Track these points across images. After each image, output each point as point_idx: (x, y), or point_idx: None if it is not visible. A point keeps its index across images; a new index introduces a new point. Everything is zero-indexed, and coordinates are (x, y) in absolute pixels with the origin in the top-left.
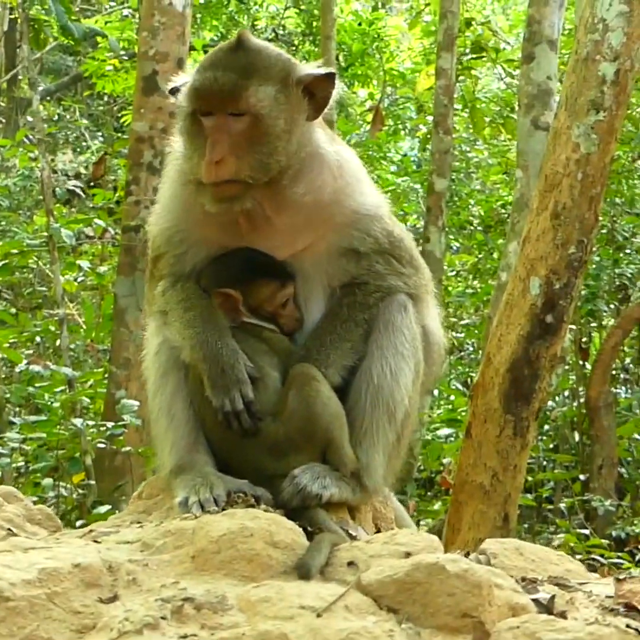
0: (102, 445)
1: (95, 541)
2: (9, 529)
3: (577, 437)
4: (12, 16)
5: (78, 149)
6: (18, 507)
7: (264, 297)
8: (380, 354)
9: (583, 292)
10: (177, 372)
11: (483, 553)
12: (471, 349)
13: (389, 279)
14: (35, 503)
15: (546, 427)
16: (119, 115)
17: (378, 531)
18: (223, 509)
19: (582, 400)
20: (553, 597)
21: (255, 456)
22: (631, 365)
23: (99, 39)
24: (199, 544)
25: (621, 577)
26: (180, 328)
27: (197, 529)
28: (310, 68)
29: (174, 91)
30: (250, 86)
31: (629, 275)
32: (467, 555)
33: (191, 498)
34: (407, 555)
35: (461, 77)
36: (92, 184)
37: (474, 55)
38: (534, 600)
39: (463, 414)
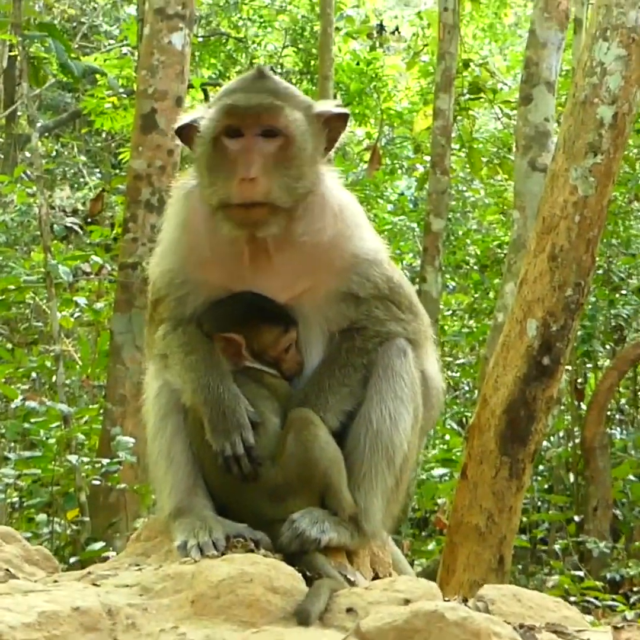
0: (97, 482)
1: (94, 584)
2: (7, 570)
3: (572, 478)
4: (12, 53)
5: (76, 185)
6: (16, 547)
7: (268, 342)
8: (379, 398)
9: (579, 333)
10: (176, 415)
11: (481, 599)
12: (467, 388)
13: (388, 325)
14: (29, 539)
15: (541, 467)
16: (117, 152)
17: (376, 575)
18: (222, 554)
19: (577, 441)
20: None
21: (254, 500)
22: (626, 406)
23: (98, 76)
24: (198, 588)
25: (619, 625)
26: (182, 371)
27: (197, 574)
28: (328, 105)
29: (182, 130)
30: (285, 107)
31: (625, 316)
32: (465, 601)
33: (190, 542)
34: (406, 602)
35: (459, 118)
36: (89, 220)
37: (472, 96)
38: None
39: (458, 453)
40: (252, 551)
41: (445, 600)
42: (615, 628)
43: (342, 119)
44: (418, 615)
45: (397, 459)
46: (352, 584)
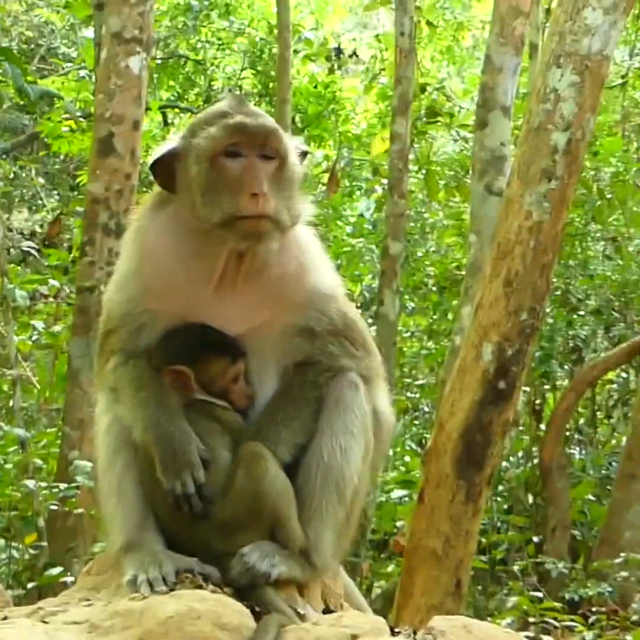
0: (55, 507)
1: (43, 621)
2: None
3: (531, 498)
4: None
5: (33, 208)
6: None
7: (215, 373)
8: (330, 432)
9: (537, 354)
10: (127, 450)
11: (430, 632)
12: (426, 409)
13: (342, 360)
14: None
15: (500, 488)
16: (75, 174)
17: (327, 607)
18: (172, 589)
19: (535, 461)
20: None
21: (204, 534)
22: (585, 427)
23: (55, 99)
24: (146, 625)
25: None
26: (132, 408)
27: (145, 610)
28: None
29: (162, 159)
30: (279, 130)
31: (583, 337)
32: (414, 633)
33: (140, 576)
34: (354, 637)
35: (416, 141)
36: (46, 242)
37: (429, 120)
38: None
39: (417, 475)
40: (201, 586)
41: (394, 633)
42: None
43: (305, 156)
44: None
45: (347, 493)
46: (302, 617)
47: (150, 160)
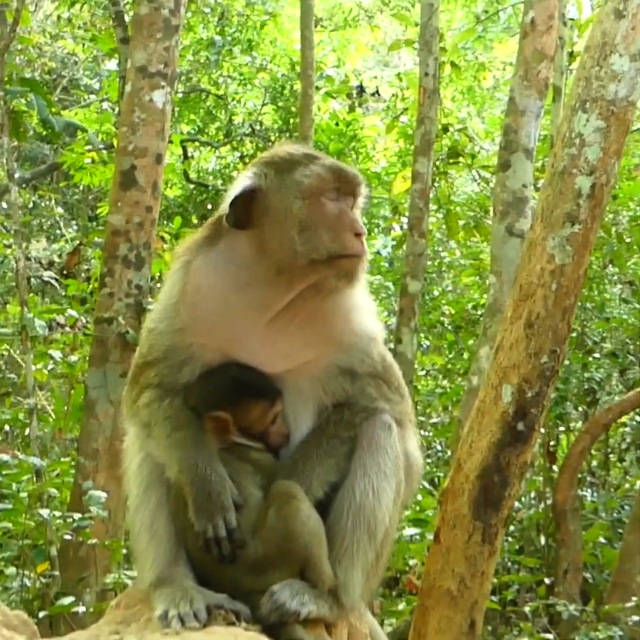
0: (68, 537)
1: None
2: None
3: (543, 540)
4: None
5: (52, 237)
6: None
7: (255, 416)
8: (363, 472)
9: (552, 396)
10: (159, 487)
11: None
12: (439, 448)
13: (377, 402)
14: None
15: (512, 528)
16: (94, 205)
17: None
18: (204, 625)
19: (548, 502)
20: None
21: (234, 572)
22: (597, 469)
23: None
24: None
25: None
26: (168, 447)
27: None
28: None
29: (239, 197)
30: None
31: (598, 380)
32: None
33: (171, 611)
34: None
35: (436, 180)
36: (65, 272)
37: (450, 160)
38: None
39: (430, 514)
40: (233, 623)
41: None
42: None
43: None
44: None
45: (378, 534)
46: None
47: (230, 195)
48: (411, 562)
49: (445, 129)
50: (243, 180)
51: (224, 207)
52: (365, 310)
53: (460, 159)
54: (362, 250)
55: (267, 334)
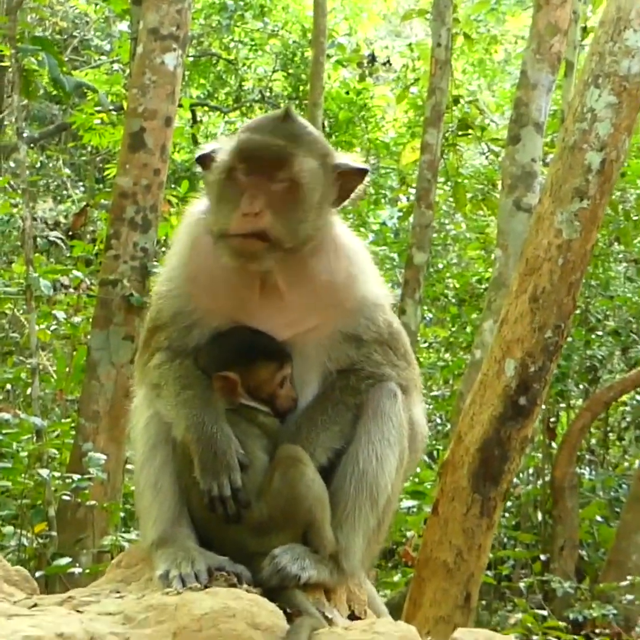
0: (67, 498)
1: (77, 610)
2: None
3: (540, 516)
4: (2, 63)
5: (59, 198)
6: None
7: (263, 378)
8: (367, 439)
9: (553, 372)
10: (165, 446)
11: None
12: (439, 421)
13: (384, 368)
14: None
15: (509, 504)
16: (102, 166)
17: (352, 613)
18: (206, 586)
19: (546, 479)
20: None
21: (237, 533)
22: (596, 447)
23: (87, 90)
24: (181, 621)
25: None
26: (176, 405)
27: (180, 606)
28: (348, 158)
29: (202, 159)
30: (297, 154)
31: (600, 357)
32: None
33: (172, 572)
34: None
35: (445, 152)
36: (71, 234)
37: (460, 132)
38: None
39: (428, 486)
40: (234, 585)
41: None
42: None
43: (361, 173)
44: None
45: (380, 500)
46: (329, 621)
47: (197, 153)
48: (408, 533)
49: (456, 100)
50: (211, 144)
51: None
52: (366, 276)
53: (470, 131)
54: (240, 229)
55: (264, 304)
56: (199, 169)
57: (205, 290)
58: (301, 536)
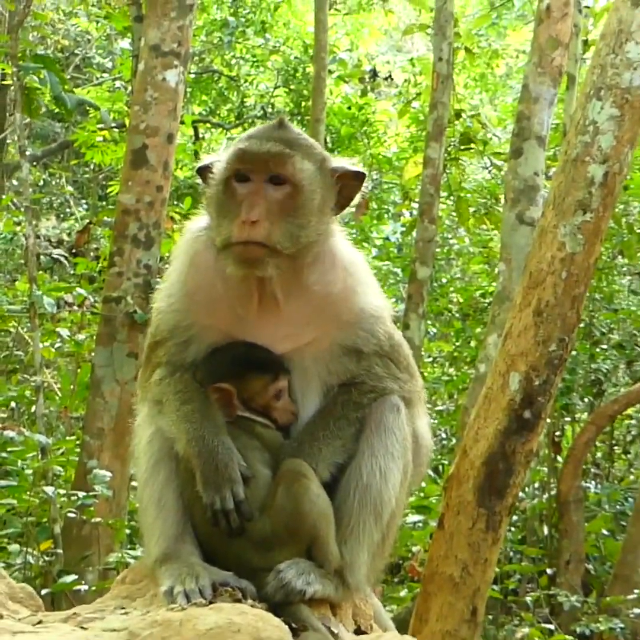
0: (72, 515)
1: (82, 627)
2: None
3: (546, 530)
4: (3, 82)
5: (62, 215)
6: (1, 584)
7: (256, 390)
8: (370, 453)
9: (558, 386)
10: (169, 462)
11: None
12: (444, 435)
13: (386, 382)
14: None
15: (515, 518)
16: (105, 184)
17: (358, 628)
18: (211, 602)
19: (552, 493)
20: None
21: (241, 549)
22: (602, 460)
23: (89, 108)
24: (185, 636)
25: None
26: (177, 420)
27: (184, 622)
28: (345, 161)
29: (202, 170)
30: (295, 155)
31: (605, 371)
32: None
33: (176, 588)
34: None
35: (448, 167)
36: (74, 251)
37: (462, 147)
38: None
39: (433, 501)
40: (239, 600)
41: None
42: None
43: (359, 177)
44: None
45: (385, 515)
46: (335, 636)
47: (197, 165)
48: (414, 548)
49: (457, 114)
50: (210, 157)
51: None
52: (365, 288)
53: (472, 145)
54: (242, 237)
55: (260, 317)
56: (200, 182)
57: (203, 306)
58: (306, 551)
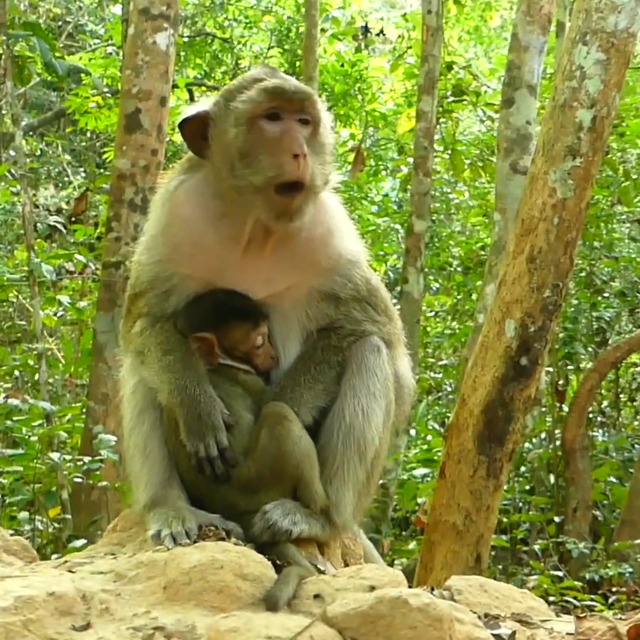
0: (79, 480)
1: (70, 571)
2: None
3: (552, 479)
4: None
5: (60, 184)
6: None
7: (238, 338)
8: (352, 394)
9: (561, 335)
10: (153, 411)
11: (447, 589)
12: (449, 389)
13: (364, 325)
14: (11, 537)
15: (522, 468)
16: (101, 151)
17: (346, 566)
18: (195, 542)
19: (558, 442)
20: (514, 633)
21: (227, 493)
22: (608, 409)
23: (82, 75)
24: (170, 575)
25: (581, 614)
26: (159, 371)
27: (169, 561)
28: None
29: (186, 122)
30: (316, 96)
31: (607, 319)
32: (431, 591)
33: (164, 531)
34: (372, 589)
35: (442, 120)
36: (73, 219)
37: (455, 99)
38: (495, 635)
39: (439, 454)
40: (223, 540)
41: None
42: (578, 617)
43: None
44: (382, 601)
45: (368, 454)
46: (322, 573)
47: (178, 120)
48: (420, 501)
49: (449, 67)
50: (197, 105)
51: None
52: (343, 232)
53: (465, 97)
54: (297, 173)
55: (244, 263)
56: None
57: (184, 256)
58: (291, 493)
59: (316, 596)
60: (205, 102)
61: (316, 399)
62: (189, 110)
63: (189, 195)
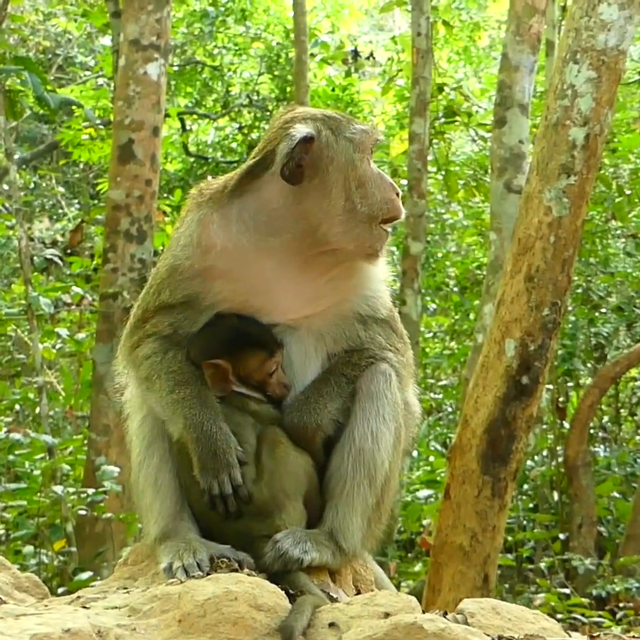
0: (83, 512)
1: (84, 607)
2: None
3: (556, 496)
4: None
5: (54, 217)
6: (6, 574)
7: (253, 367)
8: (362, 416)
9: (560, 352)
10: (161, 443)
11: (460, 613)
12: (449, 410)
13: (385, 350)
14: (22, 572)
15: (525, 486)
16: (95, 182)
17: (358, 593)
18: (207, 574)
19: (560, 459)
20: None
21: (238, 522)
22: (609, 424)
23: (74, 108)
24: (184, 608)
25: (595, 634)
26: (171, 403)
27: (183, 594)
28: None
29: (306, 140)
30: None
31: (605, 334)
32: (444, 615)
33: (175, 563)
34: (386, 615)
35: (435, 141)
36: (68, 251)
37: (447, 120)
38: None
39: (442, 475)
40: (236, 571)
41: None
42: (592, 637)
43: None
44: (398, 628)
45: (378, 478)
46: (334, 601)
47: (285, 146)
48: (425, 522)
49: (440, 88)
50: (296, 131)
51: (260, 160)
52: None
53: (457, 118)
54: (401, 212)
55: (294, 279)
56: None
57: (221, 273)
58: (302, 512)
59: (331, 625)
60: (298, 128)
61: (337, 412)
62: (299, 131)
63: (235, 213)
